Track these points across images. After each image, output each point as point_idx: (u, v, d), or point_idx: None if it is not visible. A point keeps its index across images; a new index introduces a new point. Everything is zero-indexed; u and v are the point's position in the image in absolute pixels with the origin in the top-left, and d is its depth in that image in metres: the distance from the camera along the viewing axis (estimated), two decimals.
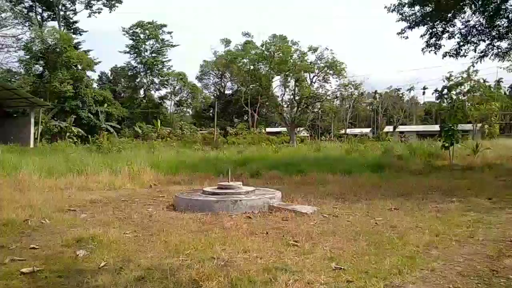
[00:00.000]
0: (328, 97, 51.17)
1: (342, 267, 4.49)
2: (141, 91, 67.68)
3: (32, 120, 33.69)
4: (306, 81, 48.89)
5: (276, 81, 51.54)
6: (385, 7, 19.07)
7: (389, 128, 69.06)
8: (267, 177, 14.32)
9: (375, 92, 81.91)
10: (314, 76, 48.65)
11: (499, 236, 6.00)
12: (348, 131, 67.96)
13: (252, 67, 48.50)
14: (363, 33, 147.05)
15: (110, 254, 5.03)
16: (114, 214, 7.87)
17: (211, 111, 70.29)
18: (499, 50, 18.78)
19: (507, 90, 68.85)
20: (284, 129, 56.23)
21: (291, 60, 45.85)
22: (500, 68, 32.72)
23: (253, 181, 13.15)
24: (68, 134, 41.63)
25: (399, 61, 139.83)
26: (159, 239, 5.78)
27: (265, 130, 60.97)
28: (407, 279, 4.16)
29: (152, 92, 67.88)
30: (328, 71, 46.97)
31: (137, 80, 66.06)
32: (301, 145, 38.39)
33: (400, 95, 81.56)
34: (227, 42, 51.26)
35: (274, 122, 77.12)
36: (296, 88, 48.74)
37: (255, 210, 7.99)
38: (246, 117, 64.59)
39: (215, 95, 75.78)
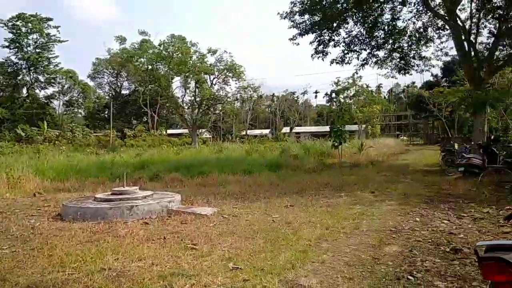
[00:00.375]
0: (228, 99, 51.86)
1: (239, 267, 4.52)
2: (24, 90, 60.60)
3: None
4: (207, 83, 48.96)
5: (176, 82, 50.63)
6: (278, 13, 19.92)
7: (286, 129, 72.59)
8: (167, 180, 13.91)
9: (273, 95, 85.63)
10: (214, 78, 48.96)
11: (380, 226, 6.65)
12: (249, 132, 69.71)
13: (150, 67, 46.84)
14: (261, 38, 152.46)
15: None
16: None
17: (106, 112, 66.01)
18: (378, 58, 20.95)
19: (386, 94, 77.53)
20: (186, 130, 55.49)
21: (191, 61, 45.42)
22: (379, 75, 36.62)
23: (152, 185, 12.68)
24: None
25: (294, 66, 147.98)
26: (42, 253, 5.18)
27: (166, 131, 59.39)
28: (300, 273, 4.35)
29: (37, 91, 61.17)
30: (227, 73, 47.66)
31: (19, 77, 58.93)
32: (203, 146, 38.20)
33: (295, 98, 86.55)
34: (122, 39, 48.64)
35: (176, 123, 75.60)
36: (197, 90, 48.50)
37: (153, 215, 7.67)
38: (146, 119, 62.17)
39: (110, 95, 71.39)
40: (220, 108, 58.98)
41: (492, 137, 15.03)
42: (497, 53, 16.81)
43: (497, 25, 16.17)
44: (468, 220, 7.04)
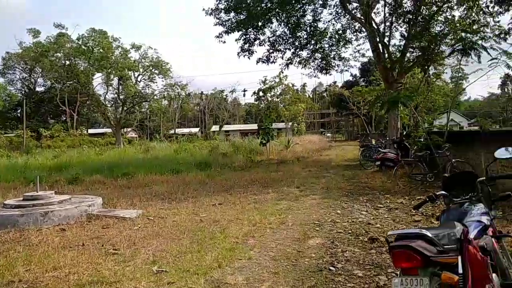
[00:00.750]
0: (155, 97, 50.29)
1: (165, 270, 4.39)
2: None
3: None
4: (131, 79, 46.96)
5: (98, 78, 47.80)
6: (203, 9, 19.71)
7: (215, 128, 72.37)
8: (88, 182, 13.10)
9: (201, 93, 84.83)
10: (139, 75, 47.11)
11: (305, 220, 6.88)
12: (178, 131, 68.30)
13: (68, 62, 43.72)
14: (189, 35, 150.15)
15: None
16: None
17: (18, 110, 60.40)
18: (301, 58, 21.68)
19: (310, 93, 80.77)
20: (110, 130, 52.76)
21: (113, 57, 43.21)
22: (303, 74, 37.96)
23: (71, 188, 11.85)
24: None
25: (223, 64, 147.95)
26: None
27: (87, 131, 55.94)
28: (227, 271, 4.34)
29: None
30: (153, 70, 46.16)
31: None
32: (128, 146, 36.61)
33: (224, 96, 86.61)
34: (36, 33, 44.77)
35: (98, 122, 71.62)
36: (120, 87, 46.29)
37: (71, 221, 7.16)
38: (64, 118, 57.97)
39: (23, 92, 65.40)
40: (147, 106, 57.00)
41: (404, 133, 16.33)
42: (408, 55, 18.26)
43: (407, 28, 17.58)
44: (384, 210, 7.55)
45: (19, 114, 58.32)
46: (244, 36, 20.11)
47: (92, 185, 12.63)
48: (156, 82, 48.55)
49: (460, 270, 2.25)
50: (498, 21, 15.81)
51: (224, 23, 19.62)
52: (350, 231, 6.03)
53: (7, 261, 4.84)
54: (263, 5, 18.34)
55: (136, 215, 7.44)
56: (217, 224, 6.57)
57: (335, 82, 72.84)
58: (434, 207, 6.82)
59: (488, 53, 11.03)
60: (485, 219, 2.84)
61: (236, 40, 20.24)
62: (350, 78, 57.54)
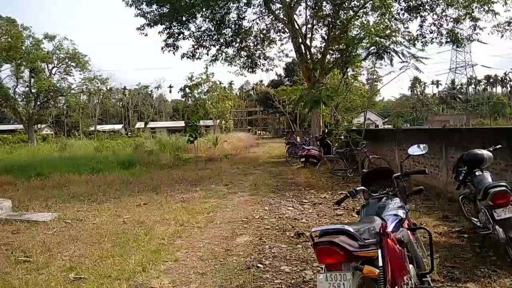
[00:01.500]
0: (73, 91, 46.93)
1: (83, 276, 4.08)
2: None
3: None
4: (44, 72, 43.27)
5: (6, 70, 43.33)
6: (123, 0, 18.74)
7: (140, 124, 69.75)
8: None
9: (124, 88, 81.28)
10: (53, 68, 43.58)
11: (233, 217, 6.86)
12: (99, 127, 64.64)
13: None
14: (112, 27, 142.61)
15: None
16: None
17: None
18: (227, 56, 21.68)
19: (238, 91, 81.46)
20: (21, 126, 48.20)
21: (23, 47, 39.41)
22: (230, 72, 38.15)
23: None
24: None
25: (148, 59, 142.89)
26: None
27: None
28: (152, 275, 4.15)
29: None
30: (69, 63, 42.97)
31: None
32: (43, 144, 33.75)
33: (149, 92, 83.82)
34: None
35: (8, 118, 65.23)
36: (32, 80, 42.43)
37: None
38: None
39: None
40: (63, 101, 53.07)
41: (326, 131, 17.13)
42: (328, 56, 19.13)
43: (327, 31, 18.41)
44: (309, 205, 7.82)
45: None
46: (167, 30, 19.50)
47: (0, 186, 11.41)
48: (73, 76, 45.33)
49: (380, 263, 2.37)
50: (407, 27, 17.28)
51: (146, 15, 18.84)
52: (277, 227, 6.13)
53: None
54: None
55: (51, 218, 6.86)
56: (142, 225, 6.29)
57: (261, 81, 74.35)
58: (355, 201, 7.21)
59: (399, 57, 12.00)
60: (401, 213, 3.04)
61: (159, 33, 19.52)
62: (276, 77, 59.09)
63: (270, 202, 8.16)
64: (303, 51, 18.06)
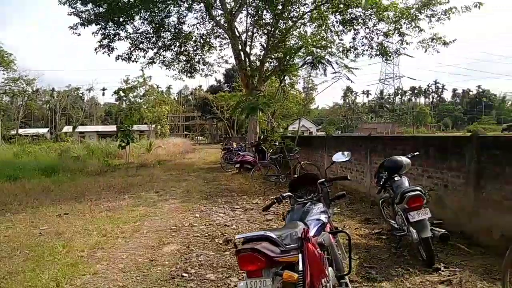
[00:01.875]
0: None
1: None
2: None
3: None
4: None
5: None
6: None
7: (68, 128, 65.52)
8: None
9: (53, 90, 76.23)
10: None
11: (161, 226, 6.64)
12: (21, 131, 59.65)
13: None
14: (41, 24, 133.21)
15: None
16: None
17: None
18: (165, 59, 21.23)
19: (176, 95, 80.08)
20: None
21: None
22: (168, 76, 37.31)
23: None
24: None
25: (80, 59, 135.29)
26: None
27: None
28: None
29: None
30: None
31: None
32: None
33: (80, 94, 79.38)
34: None
35: None
36: None
37: None
38: None
39: None
40: None
41: (262, 137, 17.36)
42: (267, 64, 19.47)
43: (267, 40, 18.75)
44: (240, 211, 7.82)
45: None
46: (103, 31, 18.68)
47: None
48: None
49: (301, 268, 2.40)
50: (341, 40, 18.14)
51: (80, 14, 17.91)
52: (206, 234, 6.05)
53: None
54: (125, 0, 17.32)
55: None
56: (60, 236, 5.86)
57: (200, 86, 73.78)
58: (284, 206, 7.34)
59: (332, 67, 12.56)
60: (323, 217, 3.13)
61: (93, 33, 18.65)
62: (215, 83, 58.86)
63: (201, 209, 8.04)
64: (243, 58, 18.22)
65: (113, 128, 51.96)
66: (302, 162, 11.77)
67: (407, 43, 16.87)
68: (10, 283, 4.03)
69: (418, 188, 4.57)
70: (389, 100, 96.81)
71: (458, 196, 5.43)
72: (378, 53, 17.63)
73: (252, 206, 8.34)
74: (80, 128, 63.15)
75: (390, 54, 17.85)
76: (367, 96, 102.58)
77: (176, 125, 69.16)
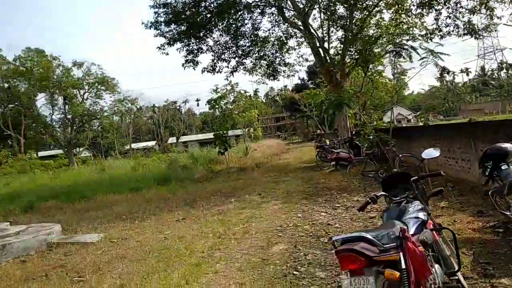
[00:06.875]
0: (105, 114, 48.94)
1: None
2: None
3: None
4: (77, 98, 45.47)
5: (41, 99, 45.86)
6: (142, 23, 19.57)
7: (172, 139, 71.29)
8: (44, 209, 12.62)
9: (153, 106, 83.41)
10: (85, 93, 45.72)
11: (268, 227, 7.08)
12: (134, 145, 66.68)
13: (6, 84, 41.84)
14: (134, 48, 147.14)
15: None
16: None
17: None
18: (246, 66, 22.04)
19: (263, 98, 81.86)
20: (61, 151, 50.55)
21: (55, 76, 41.64)
22: (251, 81, 38.44)
23: (27, 216, 11.35)
24: None
25: (173, 74, 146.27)
26: None
27: (36, 154, 53.26)
28: (194, 287, 4.45)
29: None
30: (99, 87, 44.97)
31: None
32: (83, 167, 35.28)
33: (178, 107, 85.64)
34: None
35: (48, 144, 68.31)
36: (66, 106, 44.64)
37: (31, 251, 6.95)
38: (11, 142, 54.88)
39: None
40: (97, 124, 55.37)
41: (354, 132, 17.06)
42: (347, 57, 19.04)
43: (344, 33, 18.36)
44: (341, 210, 7.93)
45: None
46: (186, 47, 20.09)
47: (48, 211, 12.18)
48: (104, 99, 47.31)
49: (403, 266, 2.53)
50: (424, 22, 16.99)
51: (164, 34, 19.57)
52: (311, 234, 6.31)
53: None
54: (202, 16, 18.48)
55: (98, 238, 7.33)
56: (182, 240, 6.63)
57: (285, 86, 74.41)
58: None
59: (417, 53, 11.90)
60: (422, 215, 3.16)
61: (177, 49, 20.17)
62: (299, 82, 58.99)
63: (303, 209, 8.32)
64: (322, 54, 18.11)
65: (211, 135, 55.25)
66: (401, 155, 11.37)
67: (498, 18, 15.23)
68: (149, 282, 4.74)
69: None
70: (493, 76, 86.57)
71: None
72: (466, 32, 16.13)
73: (353, 203, 8.37)
74: (183, 138, 68.26)
75: (479, 32, 16.24)
76: (467, 75, 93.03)
77: (268, 126, 70.77)
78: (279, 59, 22.27)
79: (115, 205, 11.76)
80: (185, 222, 8.15)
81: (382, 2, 16.81)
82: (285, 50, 21.76)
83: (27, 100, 42.02)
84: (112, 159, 39.61)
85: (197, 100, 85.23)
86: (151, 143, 70.96)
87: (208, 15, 18.47)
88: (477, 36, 16.61)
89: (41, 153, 58.56)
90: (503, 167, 4.69)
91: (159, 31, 19.51)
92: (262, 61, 22.12)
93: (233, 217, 8.13)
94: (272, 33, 21.06)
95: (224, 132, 20.29)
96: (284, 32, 21.09)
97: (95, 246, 6.91)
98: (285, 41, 21.25)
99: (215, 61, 21.08)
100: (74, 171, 29.03)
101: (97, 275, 5.22)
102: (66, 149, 44.18)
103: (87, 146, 59.68)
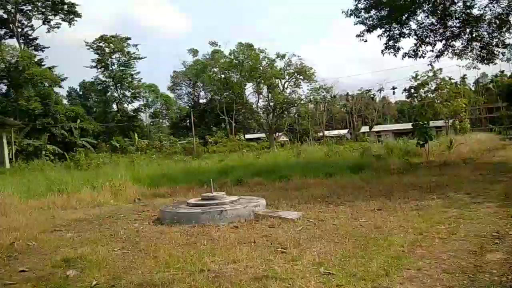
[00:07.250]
0: (302, 102, 51.91)
1: (331, 272, 4.54)
2: (114, 105, 66.63)
3: (5, 141, 32.59)
4: (278, 87, 49.64)
5: (249, 88, 52.11)
6: (342, 11, 19.55)
7: (365, 129, 70.31)
8: (251, 184, 14.35)
9: (347, 94, 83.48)
10: (285, 82, 49.47)
11: (480, 231, 6.18)
12: (326, 133, 68.77)
13: (223, 75, 49.05)
14: (329, 37, 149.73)
15: (100, 272, 4.94)
16: (101, 232, 7.70)
17: (187, 121, 69.99)
18: (455, 49, 19.51)
19: (472, 86, 71.45)
20: (263, 135, 56.50)
21: (261, 67, 46.51)
22: (459, 66, 33.93)
23: (237, 189, 13.10)
24: (44, 152, 40.52)
25: (367, 62, 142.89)
26: (148, 255, 5.70)
27: (244, 137, 61.09)
28: (395, 280, 4.25)
29: (125, 105, 66.84)
30: (298, 76, 47.88)
31: (108, 94, 65.04)
32: (281, 150, 38.53)
33: (372, 96, 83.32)
34: (194, 52, 51.57)
35: (253, 128, 77.38)
36: (270, 95, 49.36)
37: (241, 219, 7.97)
38: (224, 125, 64.60)
39: (189, 105, 75.57)
40: (294, 111, 59.25)
41: None
42: None
43: None
44: None
45: (188, 124, 67.54)
46: (387, 33, 19.23)
47: (254, 186, 13.79)
48: (302, 87, 50.30)
49: None
50: None
51: (364, 21, 19.11)
52: None
53: (196, 252, 5.68)
54: None
55: (297, 216, 7.83)
56: (379, 230, 6.44)
57: (502, 72, 63.04)
58: None
59: None
60: None
61: (378, 36, 19.49)
62: None
63: None
64: None
65: (407, 126, 51.84)
66: None
67: None
68: (346, 265, 4.78)
69: None
70: None
71: None
72: None
73: None
74: (376, 128, 66.56)
75: None
76: None
77: (478, 118, 61.72)
78: (497, 39, 19.01)
79: (310, 188, 12.35)
80: (381, 213, 7.89)
81: None
82: (505, 29, 18.41)
83: (238, 89, 48.46)
84: (306, 144, 41.84)
85: (393, 88, 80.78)
86: (343, 131, 71.68)
87: None
88: None
89: (247, 136, 66.66)
90: None
91: (359, 18, 19.33)
92: (474, 43, 19.36)
93: (436, 214, 7.42)
94: (490, 10, 18.08)
95: (425, 122, 18.69)
96: (506, 8, 17.79)
97: (294, 223, 7.39)
98: (506, 18, 17.92)
99: (418, 45, 19.61)
100: (274, 153, 31.96)
101: (298, 249, 5.58)
102: (267, 133, 49.10)
103: (285, 131, 64.71)
